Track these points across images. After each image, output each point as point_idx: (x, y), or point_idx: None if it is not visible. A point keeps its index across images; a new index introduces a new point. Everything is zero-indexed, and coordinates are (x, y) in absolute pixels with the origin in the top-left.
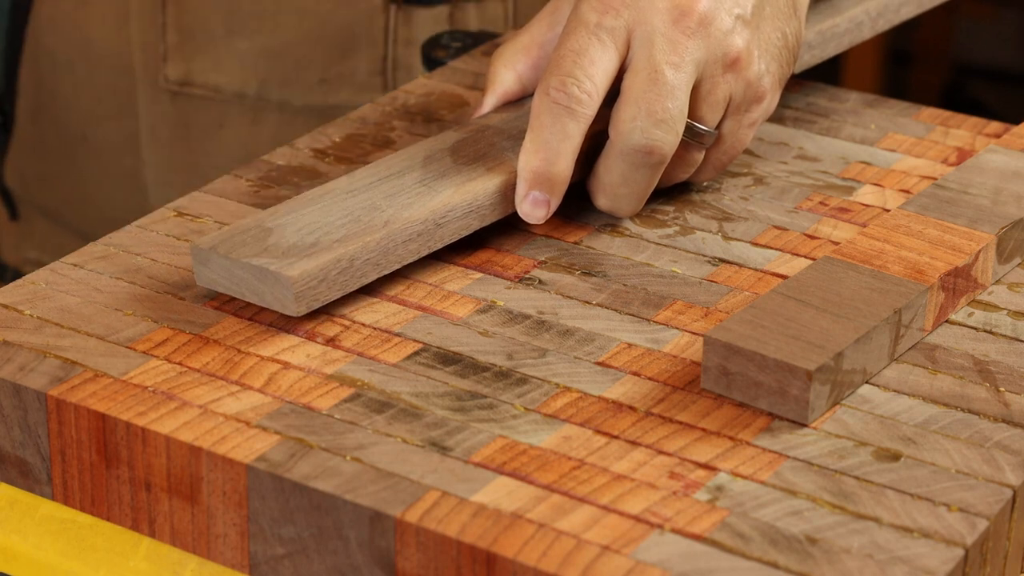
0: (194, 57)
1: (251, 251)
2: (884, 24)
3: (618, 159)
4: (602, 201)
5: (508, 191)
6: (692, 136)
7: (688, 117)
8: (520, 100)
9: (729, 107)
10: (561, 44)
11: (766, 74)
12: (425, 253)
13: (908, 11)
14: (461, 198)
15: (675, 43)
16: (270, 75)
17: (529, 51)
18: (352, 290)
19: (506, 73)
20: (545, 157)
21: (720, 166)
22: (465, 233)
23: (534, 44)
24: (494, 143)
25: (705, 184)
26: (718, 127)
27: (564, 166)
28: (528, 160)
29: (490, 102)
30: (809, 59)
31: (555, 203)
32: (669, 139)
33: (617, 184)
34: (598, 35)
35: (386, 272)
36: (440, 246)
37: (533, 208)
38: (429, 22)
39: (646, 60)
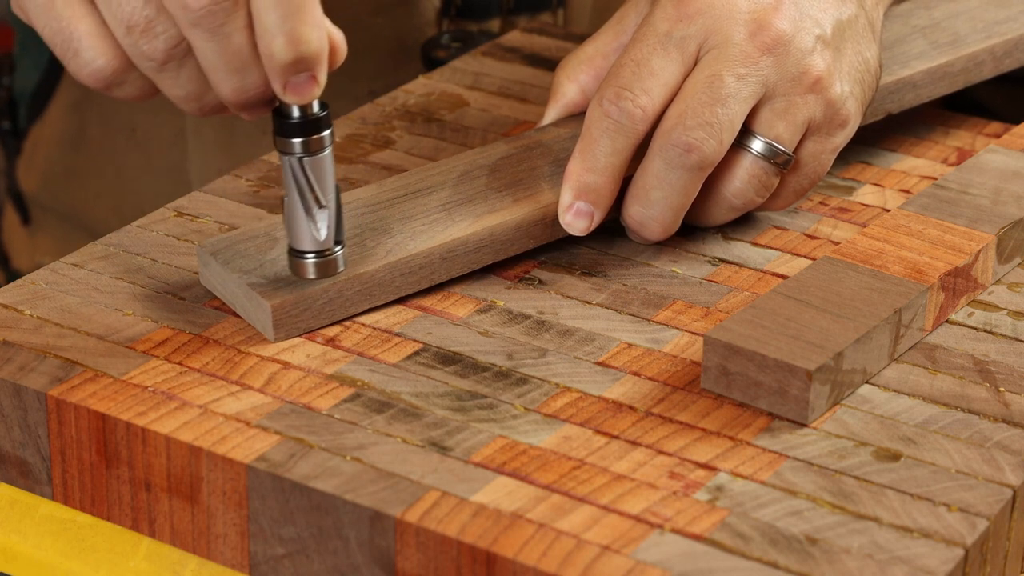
0: None
1: (247, 264)
2: (1012, 63)
3: (656, 156)
4: (634, 209)
5: (530, 227)
6: (768, 157)
7: (764, 136)
8: (581, 114)
9: (809, 129)
10: (625, 52)
11: (850, 97)
12: (426, 285)
13: None
14: (473, 232)
15: (746, 55)
16: None
17: (593, 62)
18: (340, 319)
19: (569, 85)
20: (592, 168)
21: (800, 192)
22: (477, 266)
23: (598, 55)
24: (536, 167)
25: None
26: (796, 151)
27: (610, 180)
28: (574, 169)
29: (552, 114)
30: (912, 99)
31: (599, 216)
32: (711, 143)
33: (651, 186)
34: (664, 45)
35: (380, 303)
36: (447, 278)
37: (576, 219)
38: None
39: (709, 65)
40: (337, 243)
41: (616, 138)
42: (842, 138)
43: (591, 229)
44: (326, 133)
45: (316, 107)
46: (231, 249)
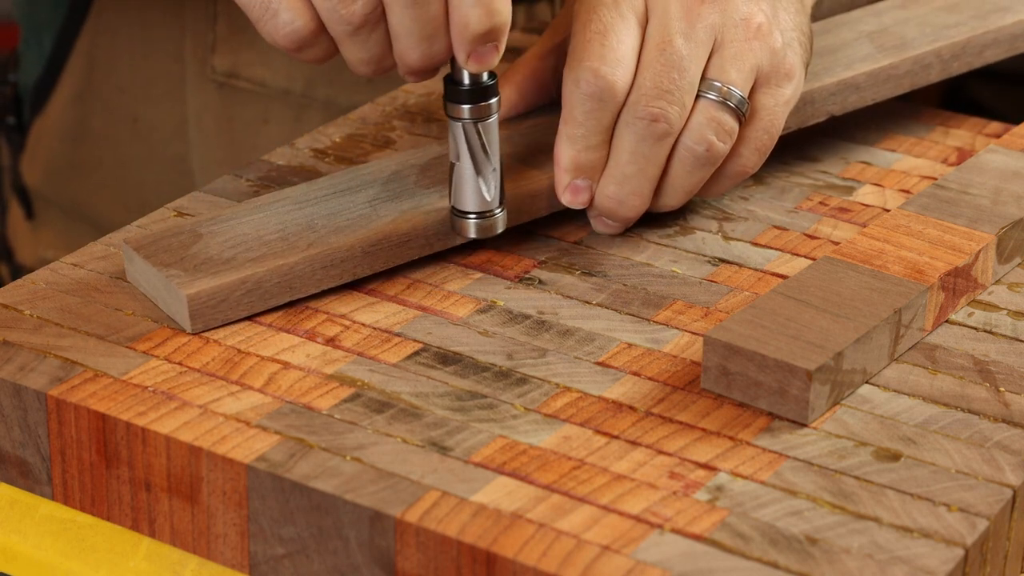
0: (242, 50)
1: (168, 258)
2: (961, 67)
3: (624, 133)
4: (610, 190)
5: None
6: (724, 99)
7: (718, 79)
8: (516, 116)
9: (758, 80)
10: (585, 27)
11: (790, 49)
12: (349, 279)
13: (994, 54)
14: (396, 228)
15: (688, 10)
16: (317, 73)
17: (528, 63)
18: (260, 311)
19: (505, 89)
20: (586, 147)
21: (760, 149)
22: (401, 261)
23: (533, 57)
24: None
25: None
26: (750, 100)
27: (604, 153)
28: (567, 153)
29: None
30: (856, 101)
31: (596, 186)
32: (674, 109)
33: (625, 161)
34: (618, 9)
35: (302, 296)
36: (370, 272)
37: (575, 195)
38: None
39: (658, 29)
40: (499, 205)
41: (602, 116)
42: (791, 91)
43: (592, 199)
44: (494, 100)
45: (485, 75)
46: (154, 245)
